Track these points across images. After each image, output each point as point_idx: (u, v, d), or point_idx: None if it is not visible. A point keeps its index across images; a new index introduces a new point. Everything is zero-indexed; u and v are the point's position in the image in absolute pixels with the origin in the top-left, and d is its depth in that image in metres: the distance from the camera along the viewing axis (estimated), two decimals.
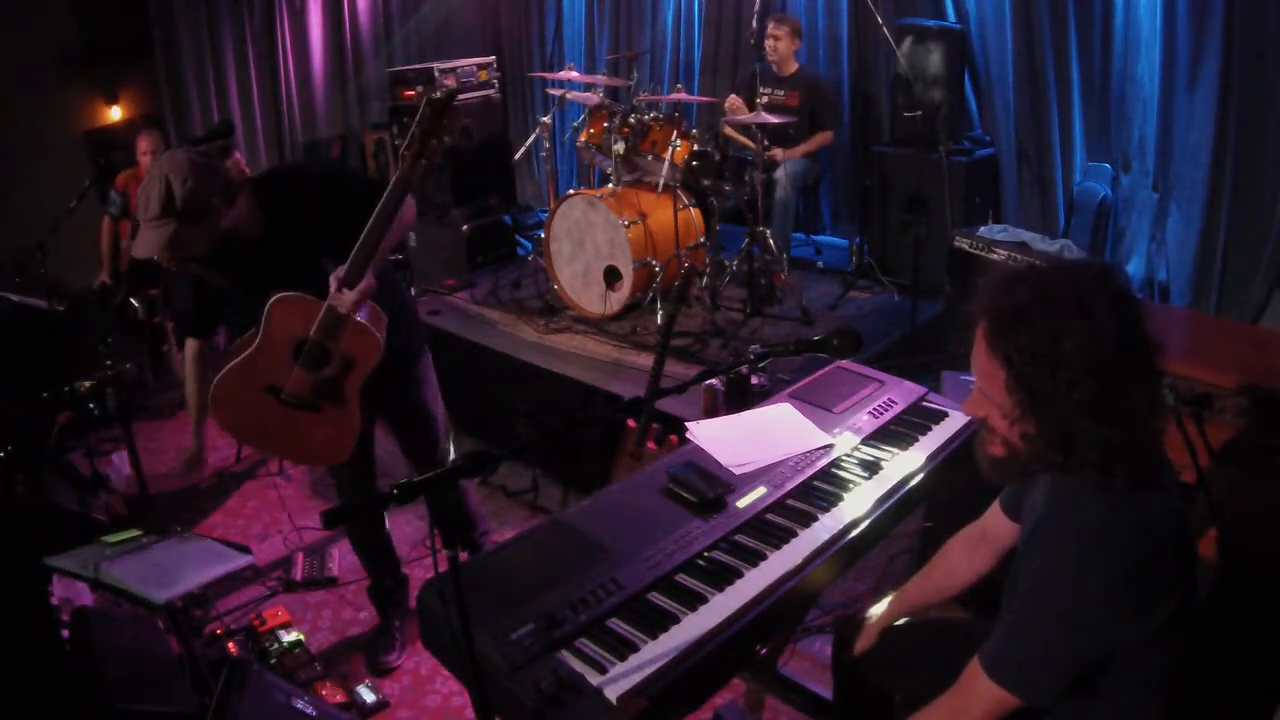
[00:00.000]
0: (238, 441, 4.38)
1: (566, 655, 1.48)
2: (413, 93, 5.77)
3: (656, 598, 1.62)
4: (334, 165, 2.42)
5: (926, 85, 4.52)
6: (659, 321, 4.36)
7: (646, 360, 3.96)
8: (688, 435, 2.13)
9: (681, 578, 1.67)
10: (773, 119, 4.36)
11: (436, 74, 5.75)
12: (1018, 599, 1.45)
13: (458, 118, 2.18)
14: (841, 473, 2.00)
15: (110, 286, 4.79)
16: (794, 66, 5.03)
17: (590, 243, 4.55)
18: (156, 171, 2.20)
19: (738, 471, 1.97)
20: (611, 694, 1.40)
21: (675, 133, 4.48)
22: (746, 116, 4.48)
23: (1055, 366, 1.31)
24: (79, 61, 5.43)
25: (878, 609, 1.97)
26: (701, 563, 1.71)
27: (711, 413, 3.12)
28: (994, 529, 1.79)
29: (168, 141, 5.06)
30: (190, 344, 2.70)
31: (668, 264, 4.42)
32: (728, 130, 4.99)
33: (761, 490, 1.91)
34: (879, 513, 1.89)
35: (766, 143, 4.62)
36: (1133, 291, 1.36)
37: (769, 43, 4.91)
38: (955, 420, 2.20)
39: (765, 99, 4.53)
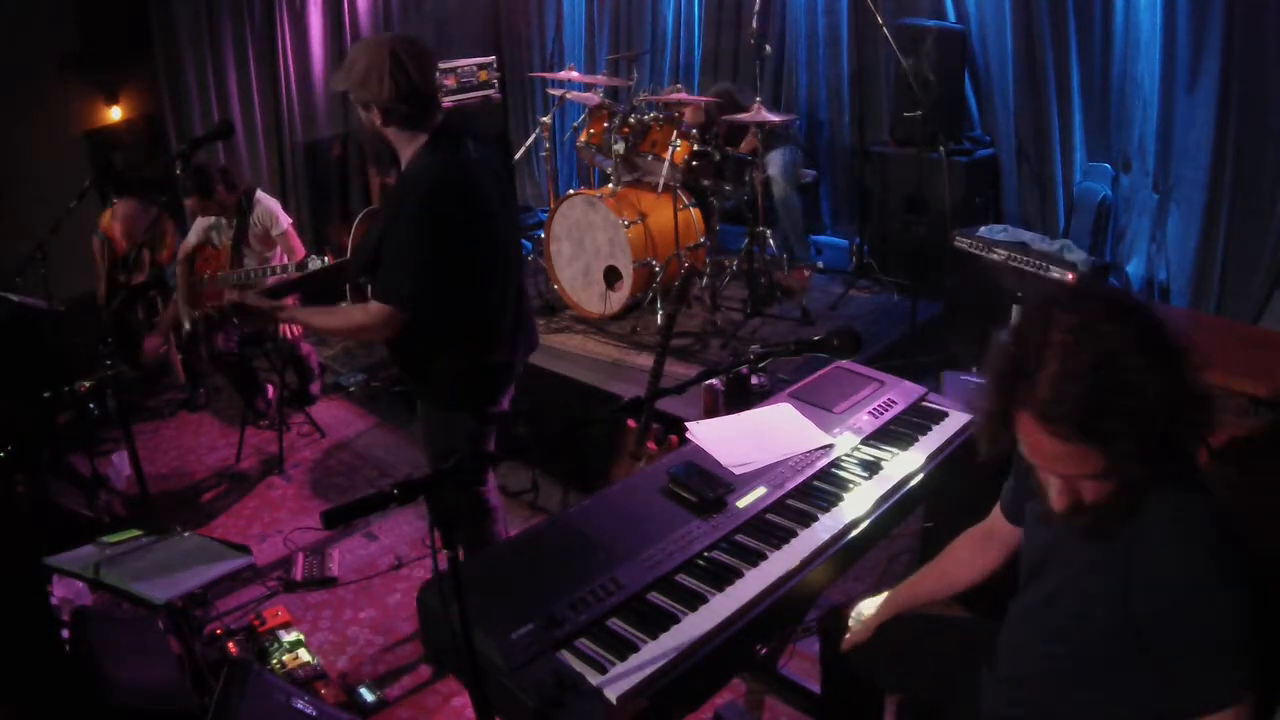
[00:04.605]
0: (238, 441, 4.41)
1: (566, 655, 1.48)
2: None
3: (656, 598, 1.62)
4: (442, 223, 2.28)
5: (926, 85, 4.52)
6: (659, 321, 4.36)
7: (646, 360, 3.96)
8: (688, 435, 2.13)
9: (681, 578, 1.67)
10: (773, 118, 4.38)
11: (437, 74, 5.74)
12: (1168, 640, 1.33)
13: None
14: (841, 473, 2.00)
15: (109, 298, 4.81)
16: (700, 115, 4.88)
17: (590, 243, 4.55)
18: (380, 45, 2.30)
19: (738, 471, 1.97)
20: (611, 694, 1.40)
21: (675, 133, 4.48)
22: (746, 116, 4.48)
23: (1133, 409, 1.22)
24: (79, 61, 5.43)
25: (868, 604, 1.94)
26: (701, 563, 1.71)
27: (711, 413, 3.12)
28: (1001, 531, 1.76)
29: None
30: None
31: (668, 264, 4.42)
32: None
33: (761, 490, 1.91)
34: (879, 513, 1.89)
35: (760, 147, 4.63)
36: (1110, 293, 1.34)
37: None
38: (955, 420, 2.20)
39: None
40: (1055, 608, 1.49)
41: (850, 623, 1.94)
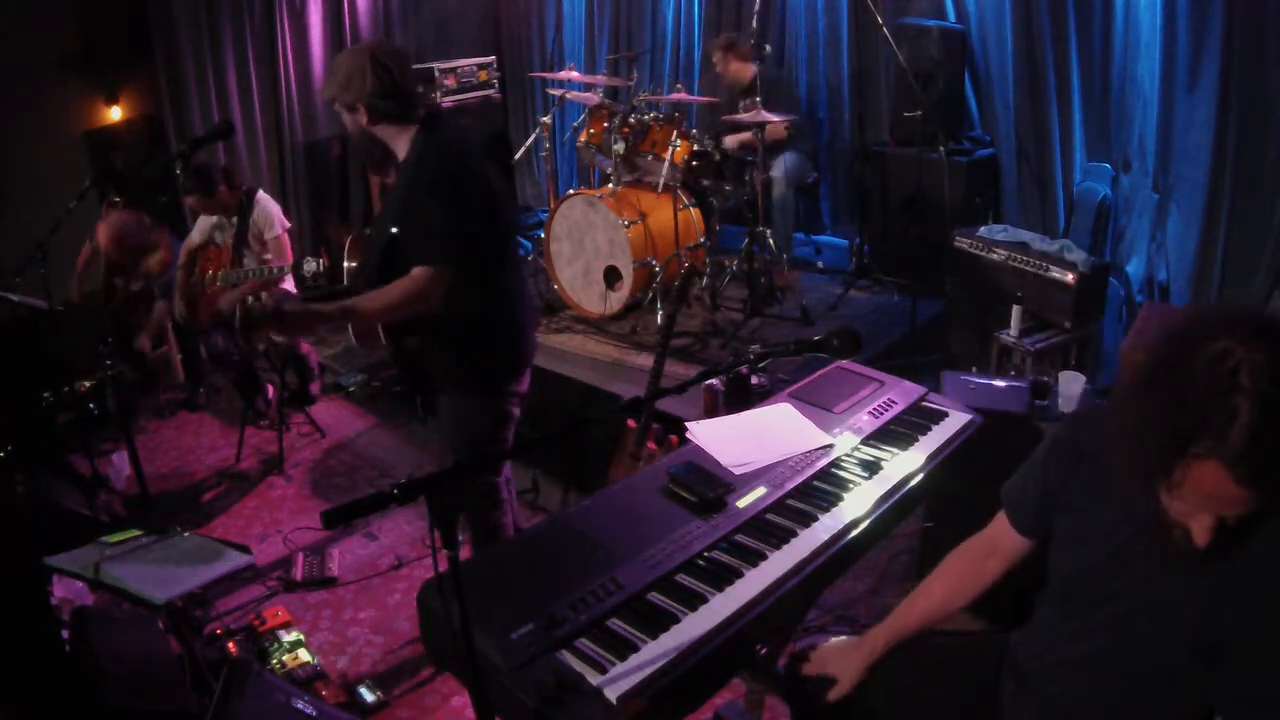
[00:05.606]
0: (238, 441, 4.40)
1: (566, 655, 1.48)
2: None
3: (656, 598, 1.62)
4: (456, 186, 2.25)
5: (926, 85, 4.52)
6: (659, 321, 4.36)
7: (646, 360, 3.96)
8: (688, 435, 2.13)
9: (681, 578, 1.67)
10: (774, 117, 4.38)
11: (437, 74, 5.75)
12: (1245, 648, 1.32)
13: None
14: (841, 473, 2.00)
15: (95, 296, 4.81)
16: (749, 73, 4.99)
17: (590, 243, 4.55)
18: (358, 51, 2.41)
19: (738, 471, 1.97)
20: (611, 694, 1.40)
21: (675, 133, 4.48)
22: (746, 116, 4.48)
23: None
24: (79, 61, 5.43)
25: (834, 647, 1.80)
26: (701, 563, 1.71)
27: (711, 413, 3.12)
28: (1006, 544, 1.68)
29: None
30: None
31: (668, 264, 4.42)
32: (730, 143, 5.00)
33: (761, 490, 1.91)
34: (879, 513, 1.89)
35: (760, 147, 4.63)
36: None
37: (717, 69, 5.01)
38: (955, 420, 2.20)
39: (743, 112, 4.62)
40: (1125, 626, 1.44)
41: (809, 665, 1.80)
